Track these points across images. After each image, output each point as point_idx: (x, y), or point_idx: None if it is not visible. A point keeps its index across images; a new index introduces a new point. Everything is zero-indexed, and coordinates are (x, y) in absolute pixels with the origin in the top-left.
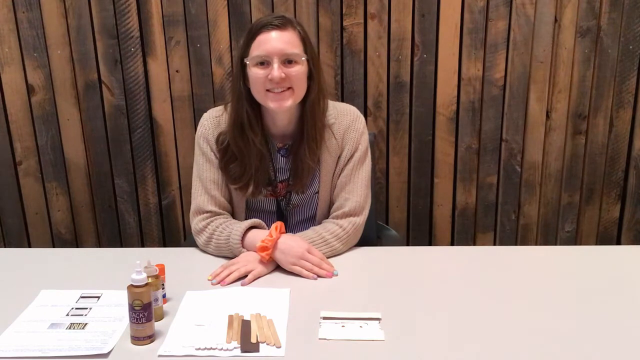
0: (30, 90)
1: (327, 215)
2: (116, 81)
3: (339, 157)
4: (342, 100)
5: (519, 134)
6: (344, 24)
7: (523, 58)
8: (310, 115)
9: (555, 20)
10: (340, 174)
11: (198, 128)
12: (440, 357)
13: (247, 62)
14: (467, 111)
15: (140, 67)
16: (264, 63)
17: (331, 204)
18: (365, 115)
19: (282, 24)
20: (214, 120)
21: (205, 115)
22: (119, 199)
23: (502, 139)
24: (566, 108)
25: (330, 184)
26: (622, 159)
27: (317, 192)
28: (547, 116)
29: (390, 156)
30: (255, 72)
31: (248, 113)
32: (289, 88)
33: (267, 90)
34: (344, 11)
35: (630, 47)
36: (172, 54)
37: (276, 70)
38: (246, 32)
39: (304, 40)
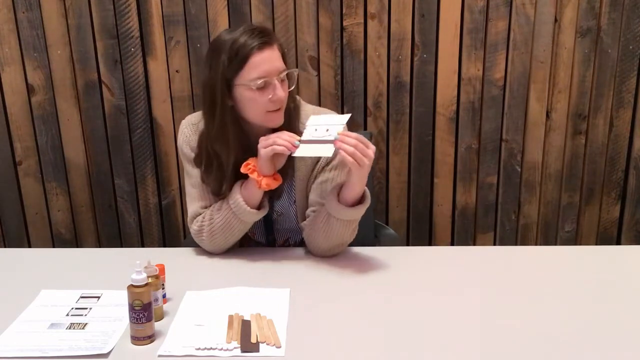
0: (30, 90)
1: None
2: (116, 81)
3: (316, 163)
4: (342, 101)
5: (519, 134)
6: (344, 24)
7: (523, 58)
8: (288, 122)
9: (555, 20)
10: (315, 179)
11: (179, 136)
12: (440, 357)
13: (240, 84)
14: (467, 111)
15: (140, 67)
16: (264, 85)
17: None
18: (365, 115)
19: (268, 40)
20: (192, 127)
21: (184, 122)
22: (119, 199)
23: (502, 139)
24: (566, 108)
25: (305, 191)
26: (622, 159)
27: (295, 202)
28: (547, 116)
29: (390, 156)
30: (253, 95)
31: (230, 132)
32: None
33: (268, 111)
34: (344, 11)
35: (630, 47)
36: (172, 54)
37: (280, 90)
38: (231, 52)
39: (283, 52)
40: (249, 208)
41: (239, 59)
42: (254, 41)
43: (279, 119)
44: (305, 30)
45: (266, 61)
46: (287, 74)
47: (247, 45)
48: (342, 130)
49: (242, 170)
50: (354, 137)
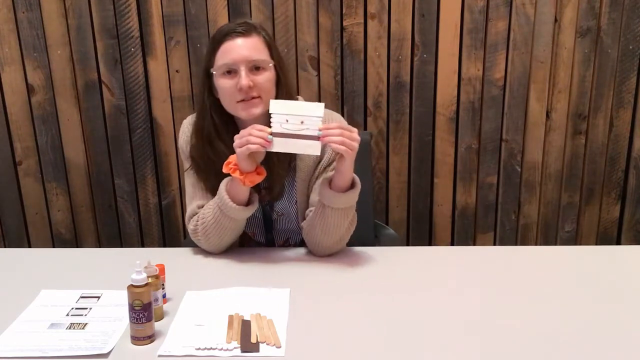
0: (30, 90)
1: None
2: (116, 81)
3: (318, 163)
4: (342, 100)
5: (519, 134)
6: (344, 24)
7: (523, 58)
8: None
9: (555, 20)
10: (316, 179)
11: (180, 135)
12: (440, 357)
13: (214, 73)
14: (467, 111)
15: (140, 67)
16: (231, 72)
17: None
18: (365, 115)
19: (245, 30)
20: (194, 127)
21: (185, 122)
22: (119, 199)
23: (502, 139)
24: (566, 108)
25: (307, 191)
26: (622, 159)
27: (296, 202)
28: (547, 116)
29: (390, 156)
30: (223, 83)
31: (216, 125)
32: (257, 96)
33: (238, 101)
34: (344, 11)
35: (630, 47)
36: (172, 54)
37: (244, 79)
38: (210, 42)
39: (269, 45)
40: (234, 205)
41: (213, 46)
42: (230, 30)
43: (251, 110)
44: (305, 30)
45: (235, 49)
46: (261, 65)
47: (221, 33)
48: (320, 124)
49: (224, 170)
50: (336, 127)
